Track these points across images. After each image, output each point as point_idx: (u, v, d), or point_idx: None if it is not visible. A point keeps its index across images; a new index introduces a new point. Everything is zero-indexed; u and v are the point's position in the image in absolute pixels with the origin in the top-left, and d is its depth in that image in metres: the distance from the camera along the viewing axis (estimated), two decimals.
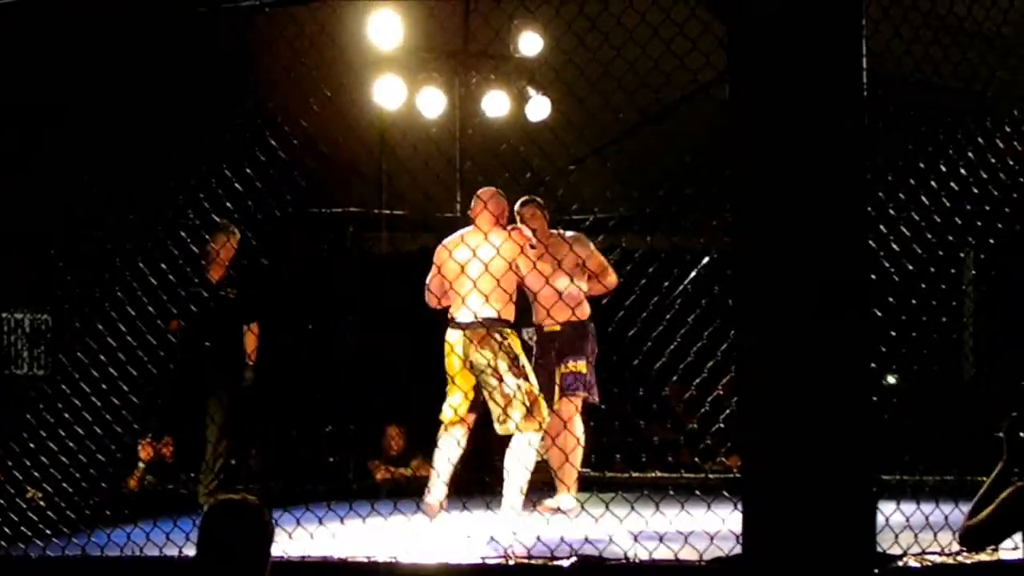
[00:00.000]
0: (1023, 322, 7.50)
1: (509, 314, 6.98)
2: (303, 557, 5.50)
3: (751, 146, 4.64)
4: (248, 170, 6.58)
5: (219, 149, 6.81)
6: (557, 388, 7.53)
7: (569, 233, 7.59)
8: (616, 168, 7.45)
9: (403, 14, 8.69)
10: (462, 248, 6.85)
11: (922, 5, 5.81)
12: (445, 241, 7.11)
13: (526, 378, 6.87)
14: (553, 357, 7.59)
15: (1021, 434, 4.39)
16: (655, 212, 8.26)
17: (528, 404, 6.80)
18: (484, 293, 6.76)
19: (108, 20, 6.21)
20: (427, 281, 7.13)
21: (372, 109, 9.23)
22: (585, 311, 7.57)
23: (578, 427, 7.49)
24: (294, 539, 5.90)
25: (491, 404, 6.85)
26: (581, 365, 7.51)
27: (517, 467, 6.81)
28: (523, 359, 6.96)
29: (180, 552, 5.65)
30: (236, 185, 6.60)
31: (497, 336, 6.85)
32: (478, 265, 6.71)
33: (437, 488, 6.93)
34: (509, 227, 7.15)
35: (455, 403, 6.98)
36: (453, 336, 6.96)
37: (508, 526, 6.47)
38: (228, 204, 6.73)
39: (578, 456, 7.50)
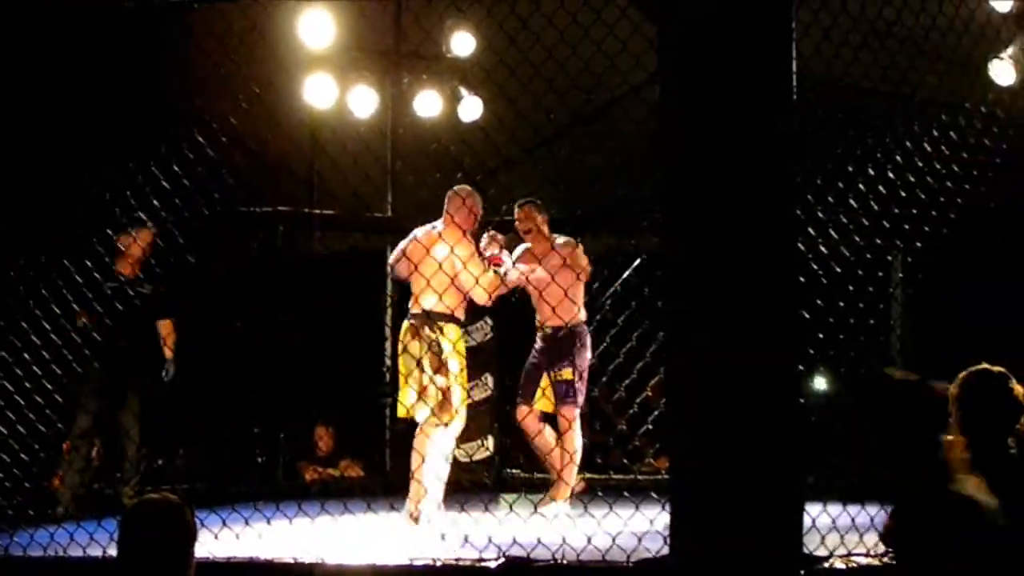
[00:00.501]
0: (950, 324, 7.55)
1: (459, 311, 6.99)
2: (229, 558, 5.44)
3: (681, 148, 4.63)
4: (175, 167, 6.50)
5: (146, 146, 6.72)
6: (550, 394, 7.62)
7: (561, 239, 7.59)
8: (547, 169, 7.45)
9: (335, 13, 8.64)
10: (440, 245, 6.84)
11: (852, 9, 5.85)
12: (418, 234, 7.10)
13: (446, 376, 6.87)
14: (545, 362, 7.64)
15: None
16: (586, 213, 8.28)
17: (439, 399, 6.83)
18: (438, 290, 6.76)
19: (31, 14, 6.11)
20: (393, 262, 7.22)
21: (303, 108, 9.17)
22: (578, 316, 7.58)
23: (575, 437, 7.48)
24: (220, 540, 5.83)
25: (408, 389, 6.90)
26: (567, 372, 7.54)
27: (428, 453, 6.92)
28: (452, 356, 6.94)
29: (104, 552, 5.58)
30: (163, 183, 6.53)
31: (427, 330, 6.84)
32: (444, 263, 6.72)
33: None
34: (485, 248, 7.17)
35: (405, 399, 6.98)
36: (403, 326, 7.07)
37: (433, 524, 6.52)
38: (155, 202, 6.66)
39: (569, 467, 7.49)
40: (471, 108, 9.43)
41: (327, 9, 8.55)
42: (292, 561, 5.41)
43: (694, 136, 4.61)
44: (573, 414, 7.46)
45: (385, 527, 6.74)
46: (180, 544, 3.53)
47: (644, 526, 5.50)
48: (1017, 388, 4.48)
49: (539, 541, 5.60)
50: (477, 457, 9.70)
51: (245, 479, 8.32)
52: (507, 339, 9.62)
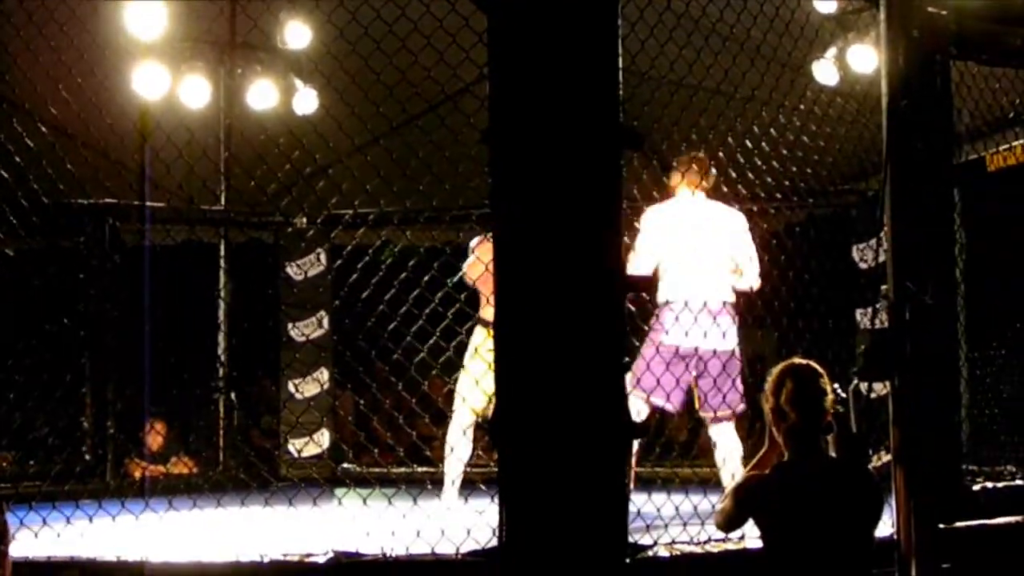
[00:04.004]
0: (779, 315, 7.74)
1: (486, 314, 6.99)
2: (49, 557, 5.32)
3: (510, 143, 4.66)
4: None
5: None
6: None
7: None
8: (378, 164, 7.42)
9: (166, 1, 8.49)
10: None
11: (676, 7, 5.95)
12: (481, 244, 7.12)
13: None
14: None
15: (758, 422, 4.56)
16: (416, 208, 8.28)
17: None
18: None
19: None
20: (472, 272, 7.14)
21: (133, 98, 8.99)
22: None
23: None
24: (40, 539, 5.71)
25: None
26: None
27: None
28: (471, 356, 7.11)
29: None
30: None
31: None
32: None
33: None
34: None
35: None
36: (481, 330, 7.17)
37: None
38: None
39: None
40: (306, 101, 9.35)
41: None
42: (115, 560, 5.31)
43: (523, 131, 4.64)
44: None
45: (211, 524, 6.66)
46: None
47: (474, 519, 5.52)
48: (826, 385, 4.61)
49: (368, 535, 5.59)
50: (306, 453, 9.67)
51: (72, 477, 8.11)
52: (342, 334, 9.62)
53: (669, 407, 7.03)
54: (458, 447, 7.20)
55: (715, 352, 6.91)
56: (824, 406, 4.55)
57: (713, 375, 6.86)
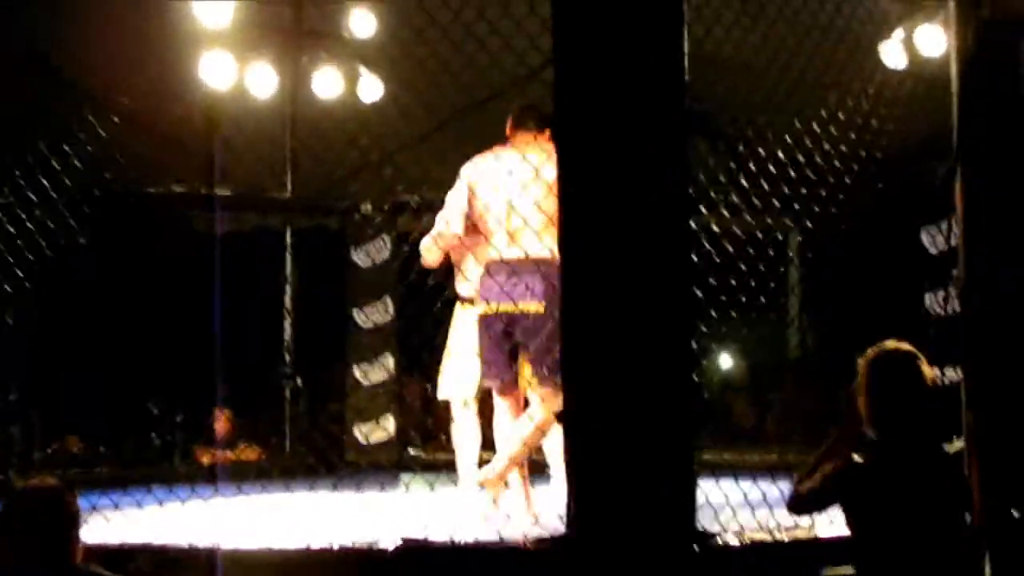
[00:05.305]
0: (847, 300, 7.68)
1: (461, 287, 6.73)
2: (121, 543, 5.38)
3: (577, 128, 4.66)
4: (66, 147, 6.41)
5: (37, 124, 6.61)
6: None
7: None
8: (444, 150, 7.42)
9: None
10: None
11: None
12: None
13: None
14: None
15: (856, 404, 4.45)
16: None
17: None
18: None
19: None
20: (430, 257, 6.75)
21: (199, 86, 9.05)
22: None
23: None
24: (111, 523, 5.77)
25: None
26: None
27: None
28: (453, 338, 6.82)
29: None
30: (53, 163, 6.43)
31: None
32: None
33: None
34: None
35: None
36: None
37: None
38: (44, 181, 6.56)
39: None
40: (371, 89, 9.38)
41: None
42: (187, 546, 5.36)
43: (589, 117, 4.64)
44: None
45: (281, 510, 6.70)
46: (59, 528, 3.51)
47: (542, 506, 5.53)
48: (926, 369, 4.46)
49: (435, 522, 5.61)
50: (373, 439, 9.70)
51: (141, 463, 8.22)
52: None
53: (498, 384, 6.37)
54: (465, 445, 6.67)
55: (525, 314, 6.16)
56: (922, 390, 4.39)
57: (527, 339, 6.16)
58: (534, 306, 6.07)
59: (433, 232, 6.55)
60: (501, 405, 6.38)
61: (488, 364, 6.25)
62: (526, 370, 6.30)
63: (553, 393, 5.96)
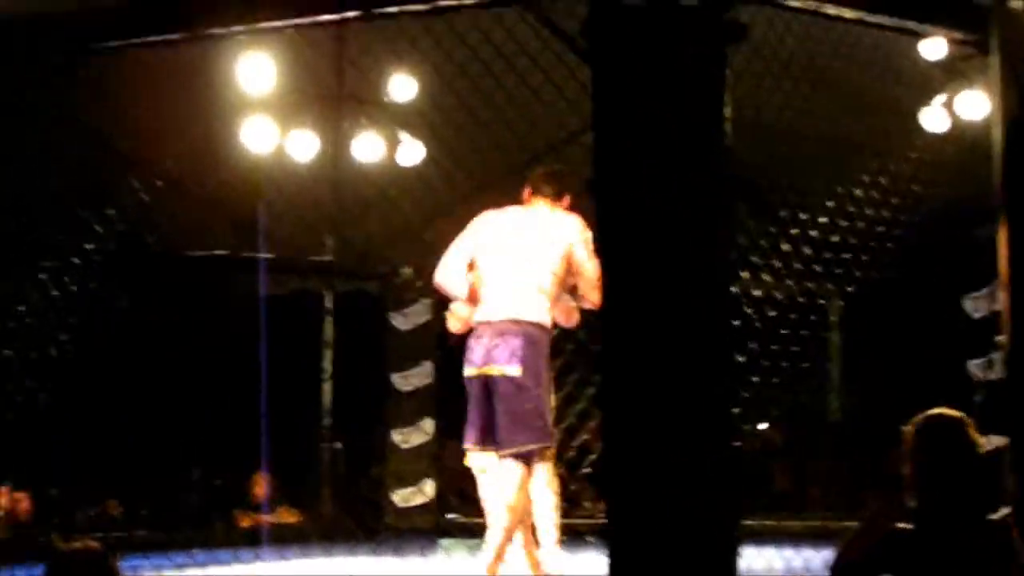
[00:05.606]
0: (887, 364, 7.63)
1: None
2: None
3: (616, 192, 4.66)
4: (110, 211, 6.47)
5: (80, 190, 6.69)
6: None
7: None
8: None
9: (274, 56, 8.62)
10: None
11: (782, 56, 5.92)
12: None
13: None
14: None
15: (901, 471, 4.38)
16: None
17: None
18: None
19: None
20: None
21: (241, 151, 9.15)
22: None
23: None
24: None
25: None
26: None
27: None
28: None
29: None
30: (96, 226, 6.49)
31: None
32: None
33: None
34: None
35: None
36: None
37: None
38: (88, 245, 6.62)
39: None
40: (411, 152, 9.44)
41: (266, 53, 8.53)
42: None
43: (628, 182, 4.63)
44: None
45: (321, 573, 6.68)
46: None
47: (581, 571, 5.49)
48: (976, 437, 4.39)
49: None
50: (412, 502, 9.68)
51: (181, 526, 8.23)
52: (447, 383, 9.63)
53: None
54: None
55: (504, 377, 5.87)
56: (972, 459, 4.32)
57: (497, 404, 5.87)
58: (512, 371, 5.84)
59: (437, 280, 6.19)
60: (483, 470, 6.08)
61: (470, 427, 5.98)
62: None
63: (513, 460, 5.84)
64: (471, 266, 6.07)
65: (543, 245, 5.93)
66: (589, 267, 5.86)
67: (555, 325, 6.26)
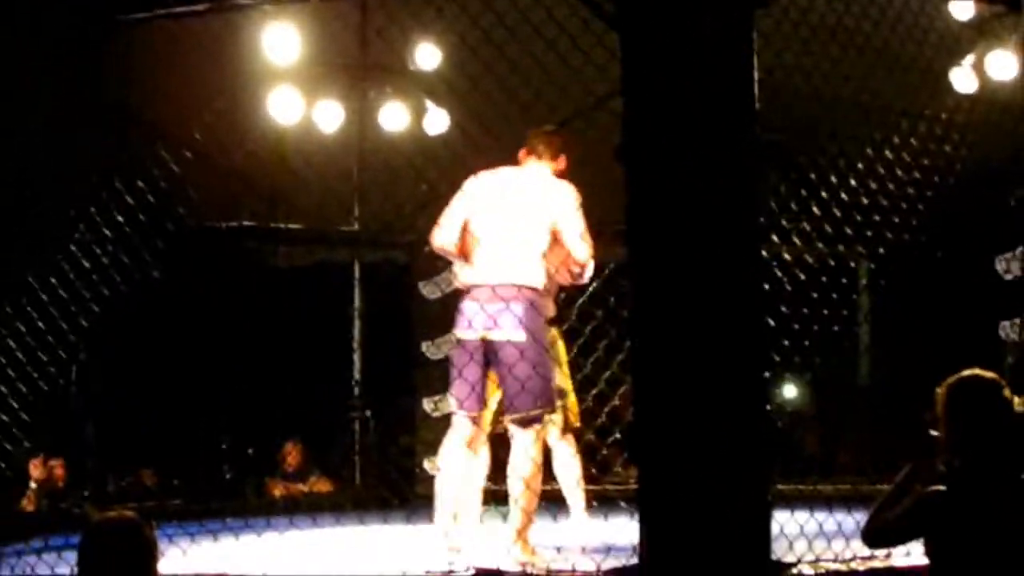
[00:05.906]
0: (914, 330, 7.61)
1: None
2: (197, 574, 5.42)
3: (646, 158, 4.65)
4: (140, 183, 6.49)
5: (109, 162, 6.71)
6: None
7: None
8: None
9: (299, 27, 8.62)
10: None
11: (811, 18, 5.88)
12: None
13: None
14: None
15: (932, 433, 4.36)
16: None
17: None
18: None
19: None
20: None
21: (267, 122, 9.16)
22: None
23: None
24: (188, 556, 5.81)
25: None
26: None
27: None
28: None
29: (72, 571, 5.54)
30: (127, 198, 6.52)
31: None
32: None
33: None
34: None
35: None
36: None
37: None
38: (119, 217, 6.65)
39: None
40: (437, 121, 9.44)
41: (291, 23, 8.53)
42: None
43: (658, 147, 4.63)
44: None
45: (355, 541, 6.72)
46: (138, 561, 3.54)
47: (613, 536, 5.50)
48: (1010, 397, 4.36)
49: (509, 551, 5.60)
50: None
51: (214, 495, 8.29)
52: None
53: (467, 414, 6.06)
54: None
55: (509, 343, 5.87)
56: (1006, 419, 4.30)
57: (503, 370, 5.91)
58: (518, 337, 5.85)
59: (435, 243, 6.21)
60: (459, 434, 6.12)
61: (466, 391, 5.96)
62: (493, 401, 6.14)
63: (521, 429, 5.91)
64: (465, 227, 6.06)
65: (537, 206, 5.95)
66: (579, 226, 5.96)
67: (561, 288, 6.31)
